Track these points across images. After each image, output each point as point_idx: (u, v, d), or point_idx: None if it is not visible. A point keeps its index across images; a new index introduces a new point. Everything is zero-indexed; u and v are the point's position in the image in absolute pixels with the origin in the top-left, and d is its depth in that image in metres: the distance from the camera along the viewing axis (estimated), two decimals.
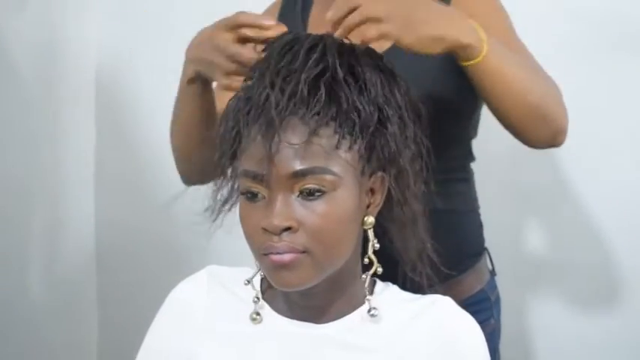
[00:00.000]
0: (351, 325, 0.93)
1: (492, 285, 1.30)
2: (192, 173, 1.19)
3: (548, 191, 1.74)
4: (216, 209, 0.96)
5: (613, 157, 1.69)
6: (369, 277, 0.93)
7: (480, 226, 1.30)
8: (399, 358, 0.91)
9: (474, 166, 1.29)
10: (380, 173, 0.91)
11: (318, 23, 1.27)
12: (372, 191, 0.92)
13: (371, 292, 0.95)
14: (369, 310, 0.91)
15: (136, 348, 1.00)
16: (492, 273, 1.31)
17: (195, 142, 1.13)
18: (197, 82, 1.10)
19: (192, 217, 0.96)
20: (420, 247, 0.96)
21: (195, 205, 0.98)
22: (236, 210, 0.93)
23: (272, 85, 0.87)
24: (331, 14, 0.95)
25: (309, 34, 0.93)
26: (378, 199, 0.92)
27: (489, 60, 0.99)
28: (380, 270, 0.93)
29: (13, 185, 1.88)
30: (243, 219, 0.89)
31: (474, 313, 0.96)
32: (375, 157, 0.89)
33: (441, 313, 0.93)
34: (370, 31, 0.94)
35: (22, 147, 1.90)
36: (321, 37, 0.92)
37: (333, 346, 0.92)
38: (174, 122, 1.20)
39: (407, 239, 0.95)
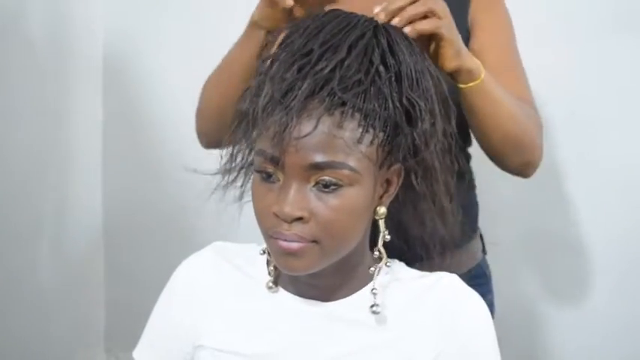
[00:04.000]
0: (359, 303, 0.92)
1: (485, 262, 1.33)
2: (219, 132, 1.13)
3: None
4: (228, 180, 0.94)
5: (599, 138, 1.74)
6: (378, 270, 0.91)
7: (477, 204, 1.33)
8: (405, 335, 0.92)
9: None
10: (398, 165, 0.89)
11: None
12: (388, 182, 0.90)
13: (377, 272, 0.93)
14: (372, 306, 0.90)
15: (143, 325, 1.01)
16: (484, 252, 1.34)
17: (236, 94, 1.08)
18: (259, 29, 1.11)
19: (200, 194, 0.95)
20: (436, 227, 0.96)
21: (202, 182, 0.97)
22: (247, 186, 0.92)
23: (299, 70, 0.84)
24: (392, 3, 0.93)
25: (342, 13, 0.90)
26: (392, 190, 0.91)
27: (485, 84, 1.04)
28: (389, 264, 0.93)
29: (20, 161, 1.87)
30: (255, 198, 0.88)
31: (472, 287, 0.96)
32: (399, 151, 0.87)
33: (447, 291, 0.93)
34: (425, 25, 0.94)
35: (29, 125, 1.89)
36: (354, 16, 0.89)
37: (341, 323, 0.92)
38: (222, 71, 1.19)
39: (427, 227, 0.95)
